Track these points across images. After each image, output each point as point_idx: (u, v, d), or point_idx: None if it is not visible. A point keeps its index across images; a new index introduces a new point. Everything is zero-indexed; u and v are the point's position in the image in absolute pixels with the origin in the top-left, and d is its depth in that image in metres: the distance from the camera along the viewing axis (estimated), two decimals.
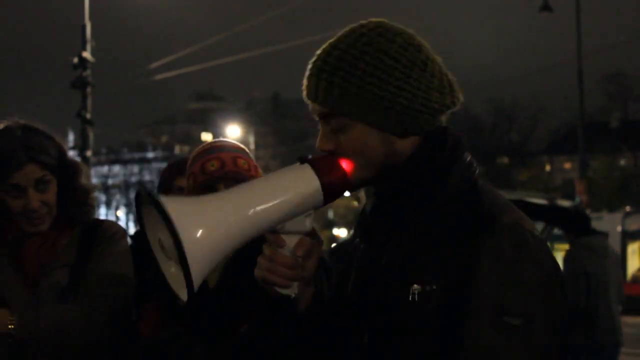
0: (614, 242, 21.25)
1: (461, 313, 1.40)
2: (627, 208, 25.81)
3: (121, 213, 64.46)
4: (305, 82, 1.57)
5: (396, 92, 1.50)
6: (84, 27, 17.79)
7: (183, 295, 1.38)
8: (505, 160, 48.70)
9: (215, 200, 1.43)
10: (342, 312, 1.60)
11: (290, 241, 1.51)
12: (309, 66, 1.57)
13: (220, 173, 2.19)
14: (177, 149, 73.22)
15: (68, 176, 2.49)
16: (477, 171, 1.57)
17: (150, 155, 69.21)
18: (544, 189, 38.65)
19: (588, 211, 23.00)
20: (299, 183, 1.48)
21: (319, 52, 1.57)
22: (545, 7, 21.43)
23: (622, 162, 46.77)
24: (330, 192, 1.50)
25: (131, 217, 62.53)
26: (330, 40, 1.57)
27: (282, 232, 1.50)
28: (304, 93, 1.58)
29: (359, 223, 1.69)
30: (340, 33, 1.57)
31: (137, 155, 67.51)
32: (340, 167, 1.52)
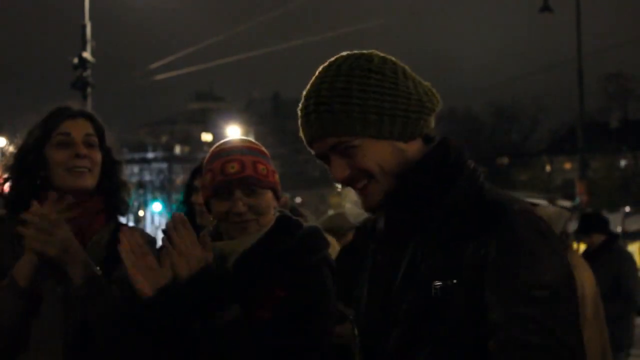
0: None
1: (489, 296, 1.47)
2: (627, 208, 25.83)
3: None
4: (303, 126, 1.67)
5: (393, 100, 1.62)
6: (84, 27, 17.79)
7: None
8: (505, 160, 48.72)
9: None
10: (367, 323, 1.70)
11: None
12: (301, 113, 1.66)
13: (239, 177, 2.19)
14: (177, 149, 73.26)
15: (112, 162, 2.51)
16: (482, 176, 1.66)
17: (150, 155, 69.15)
18: (544, 189, 38.68)
19: (588, 211, 23.06)
20: None
21: (305, 95, 1.67)
22: (545, 7, 21.43)
23: (622, 162, 46.80)
24: None
25: (131, 217, 62.48)
26: (310, 83, 1.67)
27: None
28: (307, 139, 1.67)
29: (370, 233, 1.77)
30: (315, 75, 1.68)
31: (137, 155, 67.44)
32: None
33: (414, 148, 1.65)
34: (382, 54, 1.68)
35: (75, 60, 17.57)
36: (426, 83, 1.71)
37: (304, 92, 1.68)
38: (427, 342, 1.52)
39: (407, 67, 1.69)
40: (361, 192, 1.66)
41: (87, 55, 17.59)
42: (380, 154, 1.61)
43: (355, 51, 1.69)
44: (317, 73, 1.68)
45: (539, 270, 1.47)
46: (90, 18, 17.97)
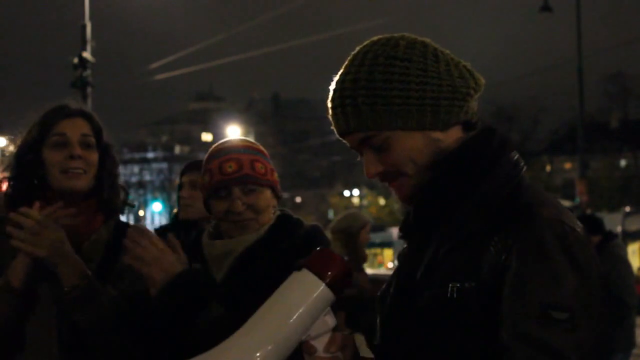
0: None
1: (503, 309, 1.39)
2: (627, 208, 25.81)
3: None
4: (332, 120, 1.59)
5: (420, 88, 1.51)
6: (84, 27, 17.78)
7: None
8: None
9: (242, 342, 1.49)
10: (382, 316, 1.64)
11: (321, 343, 1.55)
12: (329, 105, 1.59)
13: (237, 175, 2.19)
14: (177, 149, 73.24)
15: (108, 159, 2.47)
16: (523, 170, 1.57)
17: (150, 155, 69.20)
18: (544, 189, 38.62)
19: (588, 211, 23.15)
20: (306, 292, 1.52)
21: (332, 87, 1.59)
22: (545, 7, 21.41)
23: (622, 162, 46.78)
24: (337, 285, 1.53)
25: (131, 217, 62.44)
26: (338, 74, 1.60)
27: (310, 339, 1.53)
28: (337, 131, 1.60)
29: (403, 225, 1.68)
30: (344, 63, 1.60)
31: (137, 155, 67.44)
32: (334, 257, 1.55)
33: (451, 136, 1.55)
34: (412, 37, 1.58)
35: (75, 60, 17.56)
36: (465, 63, 1.60)
37: (332, 84, 1.59)
38: (438, 345, 1.45)
39: (440, 48, 1.58)
40: (393, 186, 1.59)
41: (87, 55, 17.59)
42: (412, 147, 1.52)
43: (385, 35, 1.59)
44: (345, 61, 1.59)
45: (560, 289, 1.37)
46: (90, 18, 17.98)
